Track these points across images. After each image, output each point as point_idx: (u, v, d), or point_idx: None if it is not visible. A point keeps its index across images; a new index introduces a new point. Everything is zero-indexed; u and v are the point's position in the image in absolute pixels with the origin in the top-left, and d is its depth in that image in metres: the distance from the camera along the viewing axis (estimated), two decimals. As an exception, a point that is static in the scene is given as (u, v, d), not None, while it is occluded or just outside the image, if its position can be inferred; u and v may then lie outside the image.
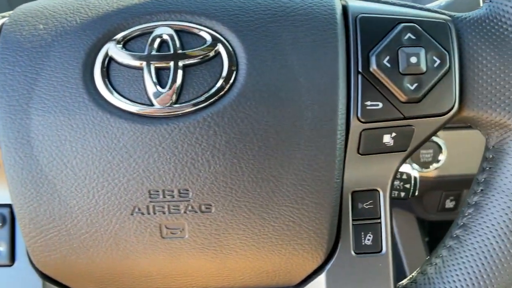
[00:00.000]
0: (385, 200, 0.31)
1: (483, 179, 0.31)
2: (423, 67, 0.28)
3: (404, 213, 0.82)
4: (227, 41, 0.28)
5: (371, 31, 0.29)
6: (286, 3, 0.29)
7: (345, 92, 0.28)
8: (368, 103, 0.29)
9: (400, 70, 0.28)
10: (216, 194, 0.28)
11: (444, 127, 0.31)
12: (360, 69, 0.29)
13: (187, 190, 0.28)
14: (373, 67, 0.28)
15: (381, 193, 0.31)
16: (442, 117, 0.29)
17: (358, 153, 0.30)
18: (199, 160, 0.28)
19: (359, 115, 0.29)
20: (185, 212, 0.28)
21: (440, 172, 0.65)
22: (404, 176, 0.39)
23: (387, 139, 0.29)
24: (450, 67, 0.29)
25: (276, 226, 0.29)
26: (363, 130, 0.29)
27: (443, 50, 0.29)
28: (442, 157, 0.62)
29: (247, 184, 0.28)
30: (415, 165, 0.61)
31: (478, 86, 0.30)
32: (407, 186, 0.39)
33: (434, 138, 0.61)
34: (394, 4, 0.32)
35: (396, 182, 0.39)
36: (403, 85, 0.28)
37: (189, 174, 0.28)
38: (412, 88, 0.28)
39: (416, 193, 0.40)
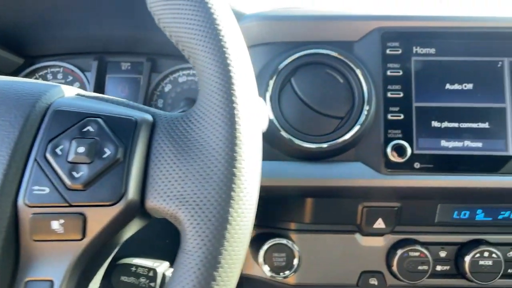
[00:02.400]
0: None
1: None
2: (90, 157, 0.30)
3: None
4: None
5: (59, 123, 0.31)
6: (3, 89, 0.32)
7: (16, 177, 0.29)
8: (36, 187, 0.29)
9: (68, 159, 0.30)
10: None
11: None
12: (35, 156, 0.30)
13: None
14: (47, 154, 0.30)
15: (55, 284, 0.29)
16: (113, 206, 0.29)
17: (36, 240, 0.29)
18: None
19: (26, 199, 0.29)
20: None
21: (299, 279, 0.61)
22: (151, 274, 0.37)
23: (56, 225, 0.29)
24: (123, 159, 0.30)
25: None
26: (32, 215, 0.29)
27: (117, 143, 0.30)
28: (296, 261, 0.59)
29: None
30: (266, 269, 0.57)
31: (157, 179, 0.30)
32: (152, 284, 0.36)
33: (287, 242, 0.59)
34: (112, 102, 0.34)
35: (143, 280, 0.37)
36: (69, 172, 0.29)
37: None
38: (77, 175, 0.29)
39: (165, 293, 0.37)
